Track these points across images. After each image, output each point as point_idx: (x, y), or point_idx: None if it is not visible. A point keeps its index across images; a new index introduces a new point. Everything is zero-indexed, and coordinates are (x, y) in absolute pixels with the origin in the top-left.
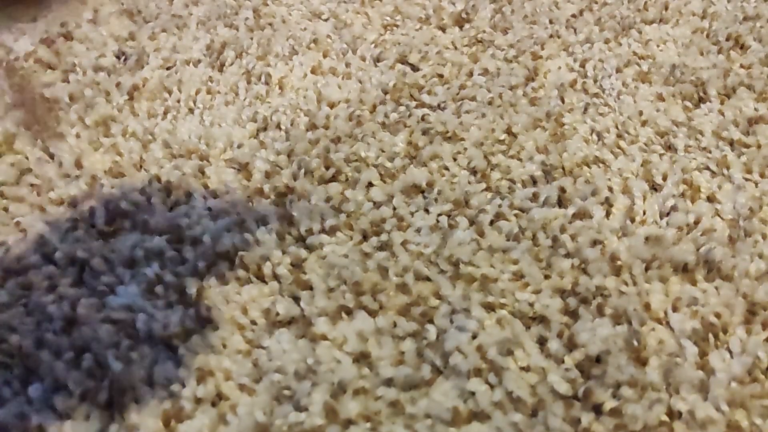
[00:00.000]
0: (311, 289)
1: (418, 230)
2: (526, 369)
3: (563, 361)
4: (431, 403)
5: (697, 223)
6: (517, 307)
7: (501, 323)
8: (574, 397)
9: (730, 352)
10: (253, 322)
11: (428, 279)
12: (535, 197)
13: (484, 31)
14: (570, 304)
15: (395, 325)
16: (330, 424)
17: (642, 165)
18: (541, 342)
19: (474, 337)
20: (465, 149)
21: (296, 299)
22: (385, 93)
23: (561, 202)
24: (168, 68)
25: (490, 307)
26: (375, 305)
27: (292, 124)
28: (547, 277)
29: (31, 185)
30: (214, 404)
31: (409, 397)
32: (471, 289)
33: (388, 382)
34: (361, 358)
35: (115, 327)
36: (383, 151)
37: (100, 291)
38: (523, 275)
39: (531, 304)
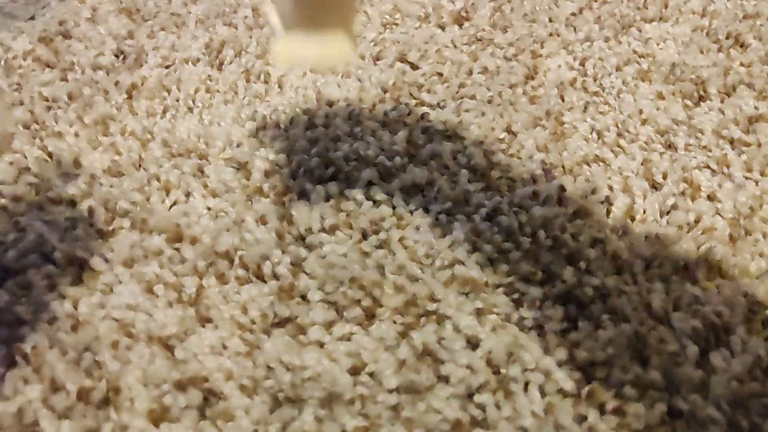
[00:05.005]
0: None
1: (417, 228)
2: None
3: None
4: (430, 410)
5: (697, 221)
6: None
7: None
8: (580, 395)
9: (731, 351)
10: (253, 322)
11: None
12: (535, 196)
13: (483, 30)
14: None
15: (395, 323)
16: (327, 424)
17: (642, 163)
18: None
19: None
20: (465, 148)
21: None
22: (385, 91)
23: (561, 201)
24: (167, 67)
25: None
26: (372, 303)
27: (291, 123)
28: (549, 278)
29: (30, 184)
30: (212, 403)
31: (409, 400)
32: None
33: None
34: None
35: (114, 326)
36: (383, 150)
37: (100, 290)
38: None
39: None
